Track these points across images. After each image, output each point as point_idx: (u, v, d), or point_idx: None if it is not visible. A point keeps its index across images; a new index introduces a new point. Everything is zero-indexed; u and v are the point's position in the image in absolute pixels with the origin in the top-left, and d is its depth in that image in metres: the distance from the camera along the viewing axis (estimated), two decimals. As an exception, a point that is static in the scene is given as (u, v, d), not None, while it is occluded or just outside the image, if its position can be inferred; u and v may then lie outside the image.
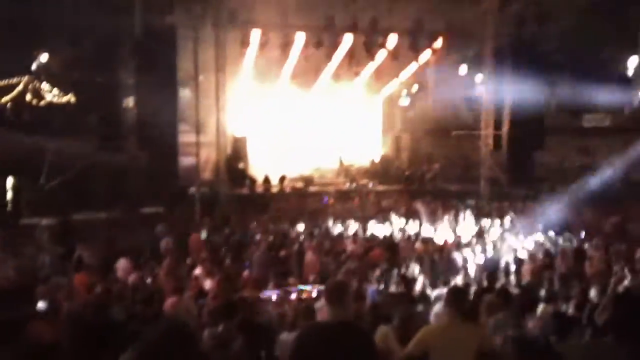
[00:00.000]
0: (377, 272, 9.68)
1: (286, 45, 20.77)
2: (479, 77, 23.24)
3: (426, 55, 22.63)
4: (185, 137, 19.89)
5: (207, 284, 8.37)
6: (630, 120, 27.43)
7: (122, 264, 8.86)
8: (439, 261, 11.02)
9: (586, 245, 11.64)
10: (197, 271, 9.11)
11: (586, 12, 23.10)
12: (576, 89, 25.91)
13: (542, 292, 8.02)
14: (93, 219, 15.05)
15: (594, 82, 31.39)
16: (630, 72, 33.03)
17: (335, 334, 3.85)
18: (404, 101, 26.10)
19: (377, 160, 25.48)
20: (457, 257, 11.40)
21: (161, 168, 18.35)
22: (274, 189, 21.48)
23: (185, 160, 19.93)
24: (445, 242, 13.00)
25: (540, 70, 22.64)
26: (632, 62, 32.77)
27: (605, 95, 31.38)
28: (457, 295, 5.10)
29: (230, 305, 6.21)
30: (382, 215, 16.49)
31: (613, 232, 13.62)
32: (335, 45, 21.20)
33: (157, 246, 10.66)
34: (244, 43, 20.41)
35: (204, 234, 13.28)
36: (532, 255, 10.88)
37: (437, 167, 24.32)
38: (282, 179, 21.90)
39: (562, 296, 7.67)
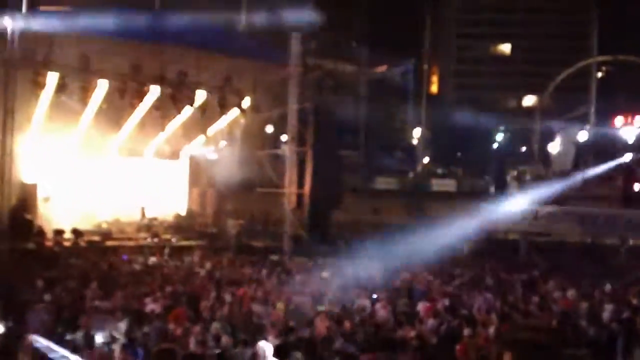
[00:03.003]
0: (179, 332, 9.26)
1: (87, 91, 19.61)
2: (283, 137, 24.19)
3: (234, 112, 23.00)
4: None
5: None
6: (413, 185, 30.68)
7: None
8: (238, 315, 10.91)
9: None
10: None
11: (376, 85, 25.71)
12: (370, 153, 28.38)
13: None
14: None
15: (385, 148, 34.81)
16: (415, 141, 37.27)
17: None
18: (211, 156, 26.09)
19: (182, 213, 24.87)
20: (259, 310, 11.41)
21: None
22: (66, 243, 19.70)
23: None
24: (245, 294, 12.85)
25: (339, 134, 24.43)
26: (416, 132, 37.05)
27: (393, 161, 34.87)
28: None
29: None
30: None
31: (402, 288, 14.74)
32: (140, 96, 20.56)
33: None
34: (38, 85, 18.78)
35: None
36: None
37: (242, 223, 24.47)
38: (76, 232, 20.19)
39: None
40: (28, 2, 18.02)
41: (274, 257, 20.24)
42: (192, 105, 21.48)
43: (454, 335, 9.09)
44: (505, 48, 59.24)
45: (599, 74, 40.12)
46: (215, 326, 9.25)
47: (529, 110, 44.27)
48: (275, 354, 7.67)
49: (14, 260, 16.58)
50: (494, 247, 24.35)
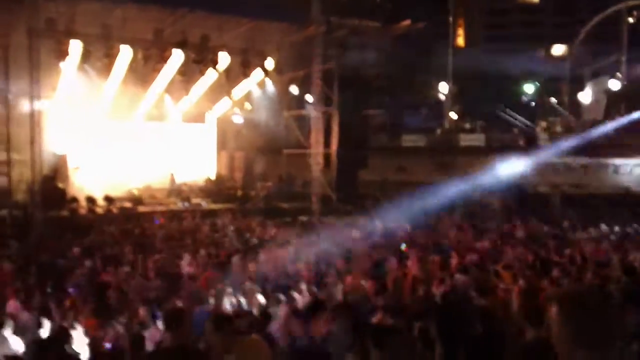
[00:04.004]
0: (212, 293, 9.42)
1: (110, 59, 19.72)
2: (308, 97, 24.03)
3: (258, 74, 22.88)
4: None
5: (25, 316, 7.53)
6: (440, 141, 30.24)
7: None
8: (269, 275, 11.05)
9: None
10: (11, 304, 8.12)
11: (398, 42, 25.12)
12: (395, 111, 28.02)
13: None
14: None
15: (410, 106, 34.33)
16: (442, 97, 36.61)
17: (176, 358, 3.87)
18: (237, 119, 26.14)
19: (211, 177, 25.15)
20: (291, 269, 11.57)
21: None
22: (99, 210, 20.13)
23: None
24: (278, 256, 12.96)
25: (363, 93, 24.14)
26: (443, 88, 36.34)
27: (419, 118, 34.40)
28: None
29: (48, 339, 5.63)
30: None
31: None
32: (164, 60, 20.59)
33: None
34: (62, 54, 18.95)
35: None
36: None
37: (270, 186, 24.61)
38: (108, 199, 20.60)
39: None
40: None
41: (303, 218, 20.40)
42: (215, 68, 21.43)
43: (483, 290, 9.05)
44: (533, -4, 57.27)
45: (630, 20, 38.51)
46: (247, 286, 9.38)
47: (559, 60, 42.93)
48: (307, 312, 7.78)
49: (50, 228, 17.01)
50: (525, 200, 24.09)
